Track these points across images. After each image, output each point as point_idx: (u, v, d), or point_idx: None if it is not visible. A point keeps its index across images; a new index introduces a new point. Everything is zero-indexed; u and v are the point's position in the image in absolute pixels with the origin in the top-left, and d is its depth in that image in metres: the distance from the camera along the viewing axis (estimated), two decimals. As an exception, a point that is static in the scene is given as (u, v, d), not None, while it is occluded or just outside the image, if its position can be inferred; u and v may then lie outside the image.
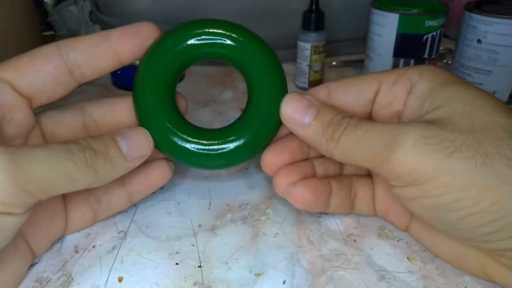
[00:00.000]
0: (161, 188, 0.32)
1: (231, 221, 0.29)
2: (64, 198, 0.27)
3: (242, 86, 0.50)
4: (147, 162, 0.28)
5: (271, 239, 0.28)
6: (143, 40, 0.26)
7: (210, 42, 0.27)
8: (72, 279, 0.25)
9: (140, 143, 0.25)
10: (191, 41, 0.26)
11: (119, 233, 0.28)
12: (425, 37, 0.45)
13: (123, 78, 0.49)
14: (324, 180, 0.28)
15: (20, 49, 0.50)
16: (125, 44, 0.26)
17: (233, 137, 0.27)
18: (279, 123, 0.27)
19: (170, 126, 0.26)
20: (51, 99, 0.25)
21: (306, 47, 0.47)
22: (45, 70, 0.24)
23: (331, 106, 0.26)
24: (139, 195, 0.29)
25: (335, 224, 0.29)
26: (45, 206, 0.25)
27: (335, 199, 0.28)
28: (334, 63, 0.56)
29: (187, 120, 0.28)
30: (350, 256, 0.26)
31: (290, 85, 0.52)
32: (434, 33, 0.45)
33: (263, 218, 0.29)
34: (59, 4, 0.65)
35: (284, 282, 0.24)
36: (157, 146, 0.27)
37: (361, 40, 0.58)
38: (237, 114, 0.43)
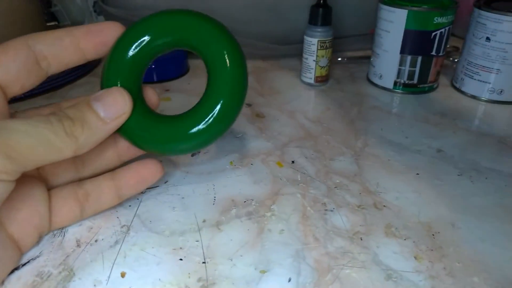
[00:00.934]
0: (165, 182, 0.32)
1: (236, 216, 0.29)
2: (49, 190, 0.27)
3: (246, 80, 0.50)
4: (138, 159, 0.29)
5: (276, 235, 0.27)
6: (106, 38, 0.27)
7: (164, 33, 0.27)
8: (74, 273, 0.24)
9: (115, 102, 0.25)
10: (147, 37, 0.27)
11: (122, 227, 0.28)
12: (433, 34, 0.44)
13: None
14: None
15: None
16: (89, 40, 0.27)
17: (195, 122, 0.27)
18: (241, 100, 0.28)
19: (136, 117, 0.27)
20: (23, 89, 0.26)
21: (313, 42, 0.46)
22: (17, 59, 0.25)
23: None
24: (129, 190, 0.29)
25: (341, 221, 0.28)
26: (26, 195, 0.25)
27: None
28: (339, 59, 0.56)
29: (151, 110, 0.28)
30: (357, 254, 0.26)
31: (296, 81, 0.52)
32: (443, 30, 0.44)
33: (268, 214, 0.29)
34: (62, -6, 0.64)
35: (289, 280, 0.24)
36: (124, 135, 0.27)
37: (367, 36, 0.57)
38: (243, 109, 0.43)
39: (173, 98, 0.46)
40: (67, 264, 0.25)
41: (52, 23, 0.62)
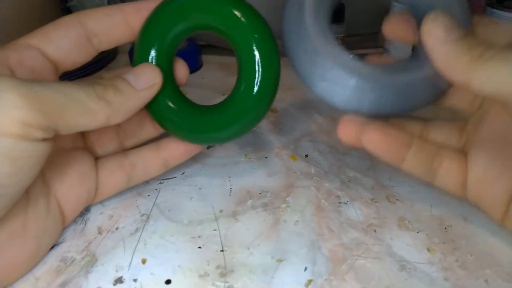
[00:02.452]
0: (182, 173, 0.33)
1: (252, 207, 0.29)
2: (96, 160, 0.28)
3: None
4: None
5: (291, 226, 0.28)
6: None
7: (201, 14, 0.27)
8: (96, 259, 0.25)
9: (145, 73, 0.26)
10: (178, 18, 0.27)
11: (141, 216, 0.28)
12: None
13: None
14: (404, 132, 0.27)
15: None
16: (138, 18, 0.27)
17: (229, 114, 0.28)
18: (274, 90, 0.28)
19: (168, 101, 0.27)
20: (75, 65, 0.27)
21: (325, 39, 0.47)
22: (68, 35, 0.26)
23: None
24: (175, 160, 0.30)
25: (355, 213, 0.29)
26: (75, 163, 0.27)
27: (412, 157, 0.26)
28: (351, 56, 0.56)
29: (181, 94, 0.29)
30: (371, 245, 0.26)
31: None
32: (456, 27, 0.44)
33: (283, 205, 0.30)
34: (77, -10, 0.65)
35: (305, 269, 0.25)
36: (154, 116, 0.28)
37: (378, 34, 0.57)
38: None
39: (188, 92, 0.46)
40: (89, 250, 0.26)
41: (68, 18, 0.63)
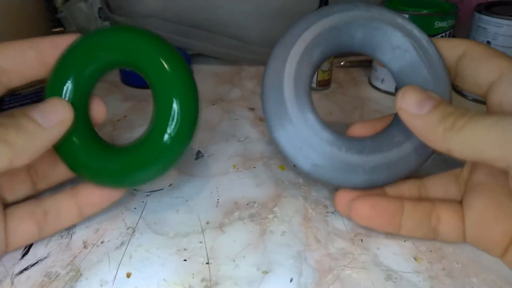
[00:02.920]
0: (170, 185, 0.33)
1: (239, 218, 0.29)
2: (5, 210, 0.26)
3: (250, 84, 0.50)
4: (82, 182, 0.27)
5: (278, 237, 0.28)
6: None
7: (107, 51, 0.26)
8: (81, 274, 0.25)
9: (54, 108, 0.24)
10: (91, 52, 0.26)
11: (127, 229, 0.28)
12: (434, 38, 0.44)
13: (131, 76, 0.49)
14: (393, 199, 0.27)
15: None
16: (54, 54, 0.26)
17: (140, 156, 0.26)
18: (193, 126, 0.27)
19: (78, 142, 0.26)
20: None
21: (314, 47, 0.47)
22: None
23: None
24: (92, 208, 0.28)
25: (343, 223, 0.29)
26: None
27: (407, 222, 0.27)
28: (342, 63, 0.56)
29: (96, 135, 0.28)
30: (357, 255, 0.26)
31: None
32: (444, 34, 0.45)
33: (270, 216, 0.29)
34: (68, 0, 0.65)
35: (291, 280, 0.25)
36: (64, 159, 0.27)
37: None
38: (245, 112, 0.44)
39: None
40: (74, 265, 0.26)
41: (58, 29, 0.63)
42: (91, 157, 0.26)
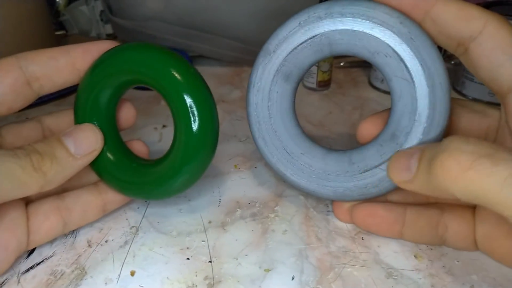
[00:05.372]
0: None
1: (241, 217, 0.30)
2: (29, 204, 0.26)
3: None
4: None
5: (280, 236, 0.28)
6: None
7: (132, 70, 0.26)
8: (86, 272, 0.25)
9: (86, 138, 0.25)
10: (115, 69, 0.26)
11: (131, 228, 0.29)
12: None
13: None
14: (394, 207, 0.27)
15: (33, 48, 0.51)
16: (86, 61, 0.26)
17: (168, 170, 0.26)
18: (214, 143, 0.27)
19: (108, 154, 0.27)
20: (10, 110, 0.25)
21: (314, 48, 0.47)
22: (4, 81, 0.24)
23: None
24: (114, 204, 0.29)
25: (343, 222, 0.29)
26: (3, 218, 0.24)
27: (409, 230, 0.27)
28: (342, 63, 0.56)
29: (125, 148, 0.29)
30: (358, 253, 0.27)
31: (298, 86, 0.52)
32: (442, 34, 0.45)
33: (272, 215, 0.30)
34: (70, 4, 0.66)
35: (293, 278, 0.25)
36: (95, 169, 0.28)
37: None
38: (246, 113, 0.44)
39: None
40: (79, 263, 0.26)
41: (61, 32, 0.64)
42: (121, 171, 0.27)
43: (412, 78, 0.25)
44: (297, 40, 0.27)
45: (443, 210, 0.27)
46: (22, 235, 0.25)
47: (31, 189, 0.22)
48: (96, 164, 0.27)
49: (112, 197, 0.28)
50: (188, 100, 0.25)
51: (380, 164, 0.26)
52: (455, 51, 0.25)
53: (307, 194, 0.29)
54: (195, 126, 0.25)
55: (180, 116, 0.25)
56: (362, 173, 0.27)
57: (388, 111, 0.27)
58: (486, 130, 0.26)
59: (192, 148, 0.26)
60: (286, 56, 0.27)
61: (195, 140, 0.25)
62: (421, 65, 0.25)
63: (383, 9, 0.25)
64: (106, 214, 0.29)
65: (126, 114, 0.29)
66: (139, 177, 0.27)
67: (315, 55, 0.27)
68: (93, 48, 0.26)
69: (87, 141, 0.25)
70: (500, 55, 0.23)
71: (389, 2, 0.24)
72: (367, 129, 0.28)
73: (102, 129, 0.27)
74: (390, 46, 0.25)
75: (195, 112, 0.25)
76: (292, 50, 0.27)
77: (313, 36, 0.26)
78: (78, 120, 0.27)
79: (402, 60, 0.25)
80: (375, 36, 0.25)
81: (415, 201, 0.28)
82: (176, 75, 0.25)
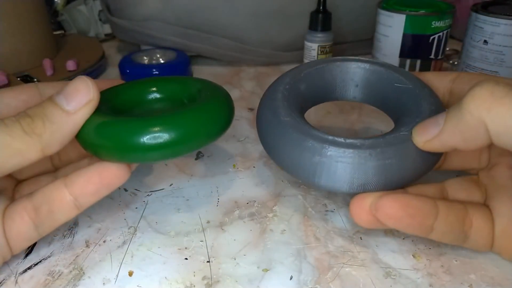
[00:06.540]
0: (170, 184, 0.33)
1: (239, 217, 0.30)
2: (5, 210, 0.24)
3: (249, 85, 0.51)
4: (99, 160, 0.25)
5: (278, 235, 0.28)
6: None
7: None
8: (84, 272, 0.25)
9: (77, 90, 0.23)
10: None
11: (129, 228, 0.29)
12: (431, 37, 0.45)
13: (131, 76, 0.49)
14: (424, 198, 0.24)
15: (32, 48, 0.51)
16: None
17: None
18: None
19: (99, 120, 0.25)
20: None
21: (313, 47, 0.47)
22: (19, 97, 0.26)
23: None
24: (88, 197, 0.24)
25: (342, 221, 0.29)
26: None
27: (441, 225, 0.24)
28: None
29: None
30: (356, 253, 0.27)
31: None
32: (441, 34, 0.45)
33: (270, 215, 0.30)
34: (69, 3, 0.66)
35: (291, 278, 0.25)
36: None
37: (367, 41, 0.58)
38: (245, 112, 0.44)
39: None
40: (77, 264, 0.26)
41: (59, 32, 0.64)
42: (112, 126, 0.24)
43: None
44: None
45: (466, 206, 0.25)
46: (1, 242, 0.23)
47: (30, 155, 0.22)
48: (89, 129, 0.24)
49: (81, 188, 0.24)
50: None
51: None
52: (442, 99, 0.29)
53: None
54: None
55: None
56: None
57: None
58: None
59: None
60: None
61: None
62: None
63: None
64: (82, 210, 0.25)
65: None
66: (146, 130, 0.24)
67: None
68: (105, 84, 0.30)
69: (79, 93, 0.23)
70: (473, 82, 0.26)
71: None
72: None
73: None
74: None
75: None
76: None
77: None
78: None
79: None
80: None
81: (434, 195, 0.26)
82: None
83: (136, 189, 0.32)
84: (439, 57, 0.46)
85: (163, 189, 0.32)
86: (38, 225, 0.24)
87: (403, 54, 0.46)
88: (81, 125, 0.24)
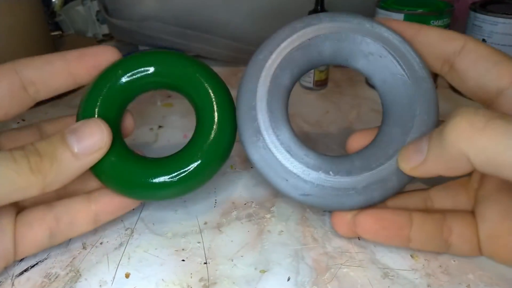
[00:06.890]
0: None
1: (237, 218, 0.29)
2: (17, 216, 0.25)
3: (247, 85, 0.51)
4: None
5: (276, 236, 0.28)
6: (100, 62, 0.26)
7: (154, 74, 0.27)
8: (80, 274, 0.25)
9: (91, 135, 0.23)
10: (136, 74, 0.27)
11: (126, 230, 0.29)
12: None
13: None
14: (400, 211, 0.26)
15: (29, 49, 0.51)
16: (81, 65, 0.26)
17: (182, 166, 0.26)
18: (230, 144, 0.28)
19: (113, 158, 0.25)
20: (7, 115, 0.25)
21: (311, 47, 0.47)
22: (0, 85, 0.24)
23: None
24: (107, 216, 0.27)
25: (339, 222, 0.29)
26: None
27: (417, 234, 0.25)
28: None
29: (129, 149, 0.27)
30: (354, 253, 0.27)
31: (295, 86, 0.52)
32: (439, 33, 0.45)
33: (268, 216, 0.30)
34: (66, 4, 0.66)
35: (288, 279, 0.25)
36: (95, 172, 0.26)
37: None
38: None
39: (175, 104, 0.47)
40: (73, 266, 0.26)
41: (57, 33, 0.63)
42: (120, 167, 0.26)
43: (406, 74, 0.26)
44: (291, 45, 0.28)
45: (445, 214, 0.26)
46: (8, 243, 0.24)
47: (30, 192, 0.22)
48: (101, 167, 0.25)
49: (104, 207, 0.26)
50: (212, 96, 0.28)
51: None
52: (441, 71, 0.27)
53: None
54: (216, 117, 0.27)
55: (205, 109, 0.27)
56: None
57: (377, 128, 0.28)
58: None
59: (216, 135, 0.27)
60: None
61: (219, 129, 0.27)
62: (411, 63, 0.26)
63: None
64: (96, 226, 0.27)
65: (127, 123, 0.29)
66: (153, 176, 0.26)
67: (308, 59, 0.28)
68: (90, 52, 0.26)
69: (92, 139, 0.23)
70: (484, 62, 0.25)
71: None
72: (357, 141, 0.28)
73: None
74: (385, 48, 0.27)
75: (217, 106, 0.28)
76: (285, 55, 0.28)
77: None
78: (84, 111, 0.26)
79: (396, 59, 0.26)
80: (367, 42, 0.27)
81: (415, 209, 0.27)
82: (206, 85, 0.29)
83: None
84: (438, 56, 0.46)
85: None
86: (54, 235, 0.25)
87: (402, 53, 0.46)
88: (88, 168, 0.24)
